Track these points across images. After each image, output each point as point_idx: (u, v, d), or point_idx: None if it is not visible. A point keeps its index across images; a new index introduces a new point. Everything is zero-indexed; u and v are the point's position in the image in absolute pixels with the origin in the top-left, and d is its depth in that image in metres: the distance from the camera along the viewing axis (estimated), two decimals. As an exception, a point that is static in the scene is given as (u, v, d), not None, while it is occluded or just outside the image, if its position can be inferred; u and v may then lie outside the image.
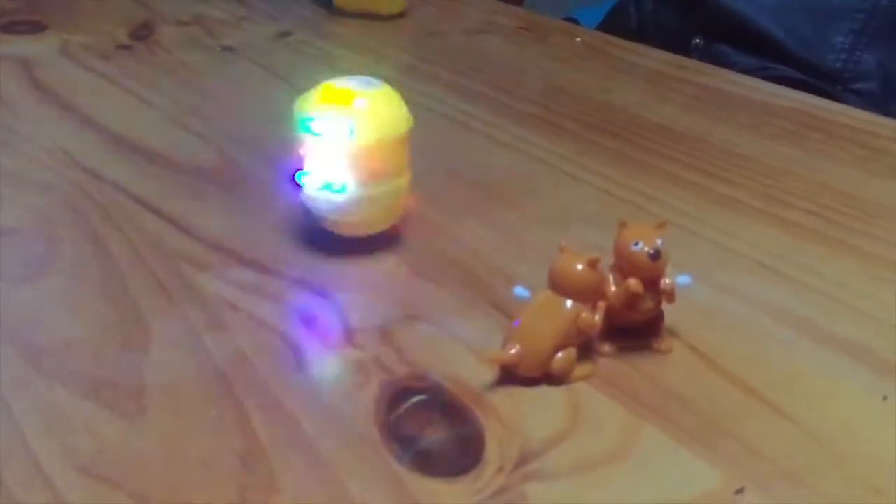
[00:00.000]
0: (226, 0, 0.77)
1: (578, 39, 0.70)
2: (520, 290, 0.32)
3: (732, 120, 0.55)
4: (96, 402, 0.30)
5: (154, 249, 0.39)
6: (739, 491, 0.26)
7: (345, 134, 0.35)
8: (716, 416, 0.30)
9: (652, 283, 0.31)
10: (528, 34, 0.72)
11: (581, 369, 0.31)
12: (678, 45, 0.72)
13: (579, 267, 0.30)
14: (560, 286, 0.31)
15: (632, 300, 0.31)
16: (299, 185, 0.37)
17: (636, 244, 0.31)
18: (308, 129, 0.35)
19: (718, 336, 0.34)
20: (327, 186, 0.36)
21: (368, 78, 0.36)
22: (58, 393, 0.30)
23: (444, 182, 0.46)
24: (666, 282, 0.31)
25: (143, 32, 0.69)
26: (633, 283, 0.30)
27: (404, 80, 0.62)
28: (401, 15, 0.74)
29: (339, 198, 0.36)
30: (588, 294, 0.31)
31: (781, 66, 0.69)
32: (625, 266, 0.31)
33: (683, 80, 0.63)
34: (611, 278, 0.31)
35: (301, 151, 0.37)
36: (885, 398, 0.30)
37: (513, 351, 0.30)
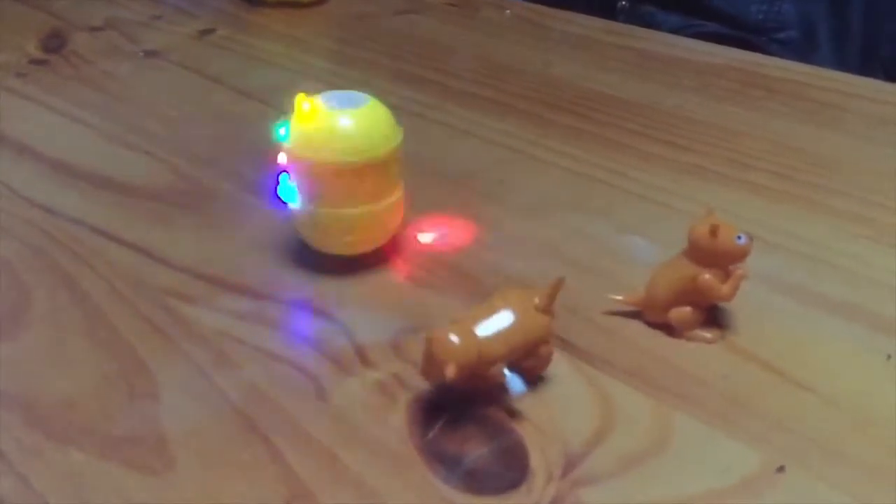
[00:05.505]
0: (135, -1, 0.74)
1: (508, 12, 0.70)
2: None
3: (677, 84, 0.56)
4: (119, 462, 0.29)
5: (134, 285, 0.37)
6: (781, 469, 0.27)
7: (332, 156, 0.34)
8: (737, 395, 0.31)
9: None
10: (457, 10, 0.71)
11: (704, 332, 0.33)
12: (603, 8, 0.73)
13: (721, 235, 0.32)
14: (696, 252, 0.33)
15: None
16: (286, 205, 0.36)
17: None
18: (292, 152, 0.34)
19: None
20: (312, 207, 0.35)
21: (351, 93, 0.35)
22: (75, 457, 0.29)
23: (413, 179, 0.45)
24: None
25: (55, 43, 0.65)
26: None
27: (342, 71, 0.60)
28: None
29: (329, 219, 0.35)
30: (720, 261, 0.32)
31: (707, 21, 0.71)
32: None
33: (619, 46, 0.63)
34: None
35: (285, 171, 0.36)
36: (889, 357, 0.32)
37: (639, 291, 0.34)
